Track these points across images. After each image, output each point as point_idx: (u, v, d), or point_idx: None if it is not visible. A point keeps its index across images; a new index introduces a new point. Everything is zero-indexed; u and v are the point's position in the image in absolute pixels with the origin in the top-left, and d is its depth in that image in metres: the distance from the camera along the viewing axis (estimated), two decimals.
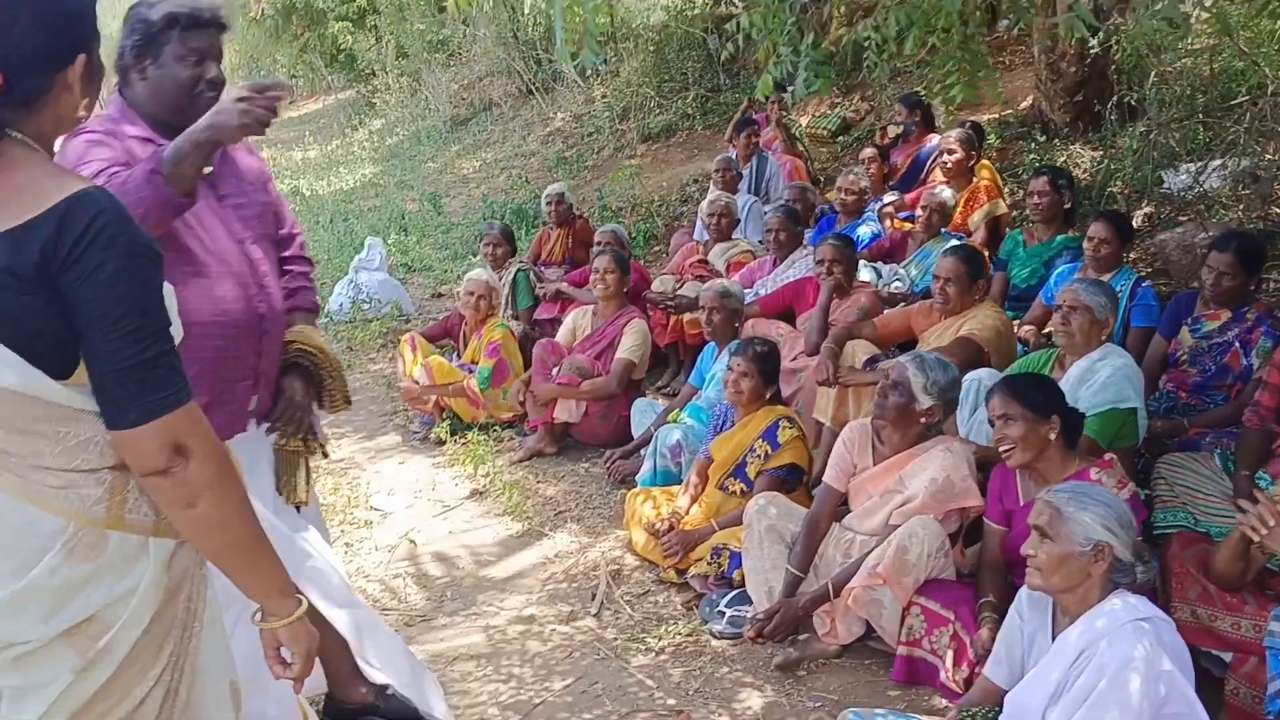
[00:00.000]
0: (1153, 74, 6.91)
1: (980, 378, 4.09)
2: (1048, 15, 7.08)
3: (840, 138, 9.93)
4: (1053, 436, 3.23)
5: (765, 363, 4.22)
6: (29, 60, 1.56)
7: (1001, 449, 3.28)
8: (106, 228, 1.52)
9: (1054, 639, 2.71)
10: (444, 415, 5.72)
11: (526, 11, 15.81)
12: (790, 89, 4.19)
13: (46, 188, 1.53)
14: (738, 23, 4.04)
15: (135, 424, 1.56)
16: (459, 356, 6.00)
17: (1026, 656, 2.80)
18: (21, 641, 1.63)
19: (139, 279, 1.56)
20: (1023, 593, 2.85)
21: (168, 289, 1.64)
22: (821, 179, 8.69)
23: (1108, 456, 3.34)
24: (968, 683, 3.21)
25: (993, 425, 3.34)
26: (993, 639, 3.12)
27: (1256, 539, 2.81)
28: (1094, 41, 7.09)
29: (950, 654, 3.28)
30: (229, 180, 2.64)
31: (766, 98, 8.63)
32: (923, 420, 3.56)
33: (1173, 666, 2.44)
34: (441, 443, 5.56)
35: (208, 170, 2.51)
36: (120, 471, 1.63)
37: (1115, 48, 7.42)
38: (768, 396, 4.24)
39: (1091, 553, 2.55)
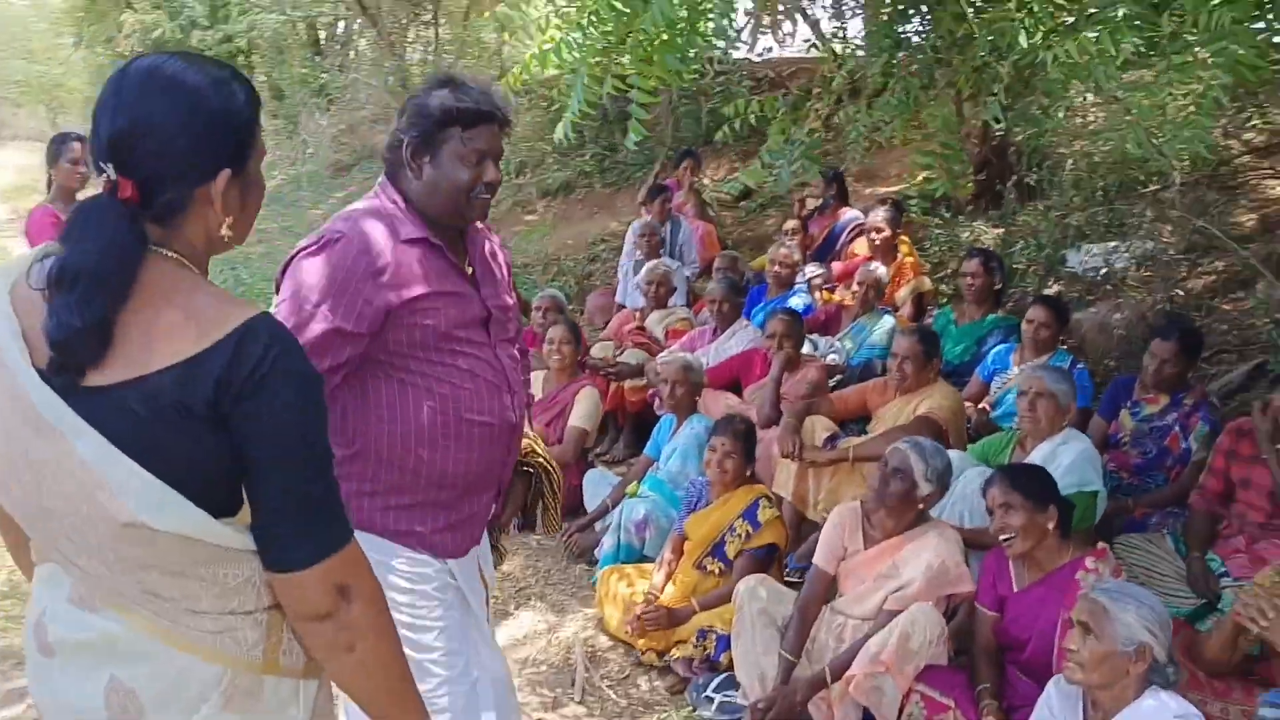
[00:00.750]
0: (1069, 163, 7.29)
1: (951, 460, 4.19)
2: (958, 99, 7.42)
3: (743, 202, 10.14)
4: (1051, 525, 3.34)
5: (748, 440, 4.24)
6: (165, 171, 1.44)
7: (1002, 538, 3.36)
8: (281, 358, 1.42)
9: None
10: None
11: (415, 59, 15.79)
12: (775, 165, 4.25)
13: (215, 315, 1.41)
14: (736, 107, 4.13)
15: (303, 566, 1.45)
16: None
17: None
18: None
19: (312, 410, 1.47)
20: (1052, 687, 2.92)
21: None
22: (730, 243, 8.85)
23: (1100, 545, 3.47)
24: None
25: (991, 513, 3.42)
26: None
27: (1256, 630, 2.96)
28: (999, 124, 7.46)
29: None
30: (488, 279, 2.44)
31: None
32: (921, 506, 3.62)
33: None
34: None
35: (469, 269, 2.38)
36: (276, 611, 1.52)
37: (1016, 130, 7.80)
38: (747, 474, 4.26)
39: (1134, 653, 2.64)
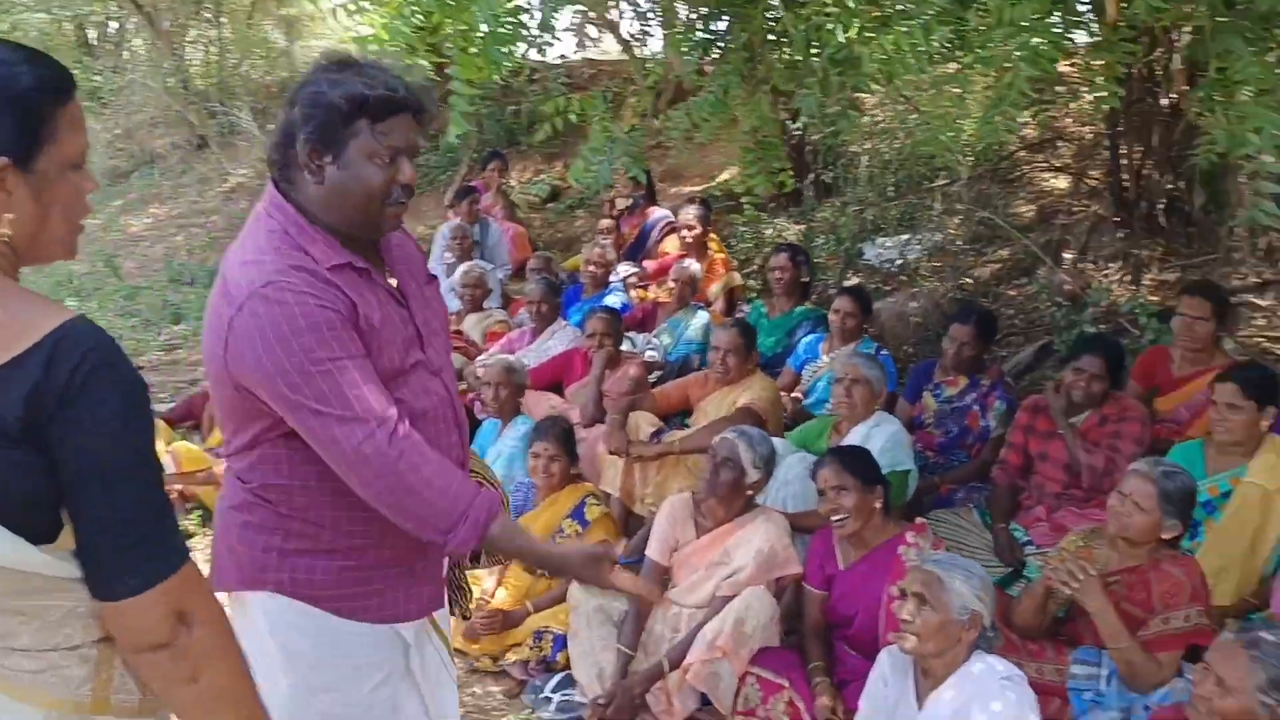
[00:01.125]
0: (863, 160, 7.59)
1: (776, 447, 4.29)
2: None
3: (551, 204, 10.12)
4: (878, 504, 3.47)
5: (569, 442, 4.22)
6: None
7: (835, 518, 3.47)
8: (103, 364, 1.29)
9: (917, 701, 2.89)
10: (190, 507, 5.21)
11: (199, 61, 15.03)
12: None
13: (24, 320, 1.28)
14: (556, 105, 4.12)
15: (136, 591, 1.33)
16: (204, 439, 5.51)
17: None
18: None
19: (139, 420, 1.35)
20: (884, 657, 3.01)
21: None
22: (540, 244, 8.83)
23: (919, 521, 3.63)
24: None
25: (822, 495, 3.52)
26: (832, 703, 3.29)
27: (1069, 592, 3.15)
28: (796, 123, 7.72)
29: None
30: (415, 295, 2.06)
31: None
32: (749, 493, 3.69)
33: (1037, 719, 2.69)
34: (189, 537, 5.07)
35: (393, 280, 2.02)
36: (106, 644, 1.39)
37: (812, 128, 8.08)
38: (572, 474, 4.24)
39: (967, 621, 2.76)
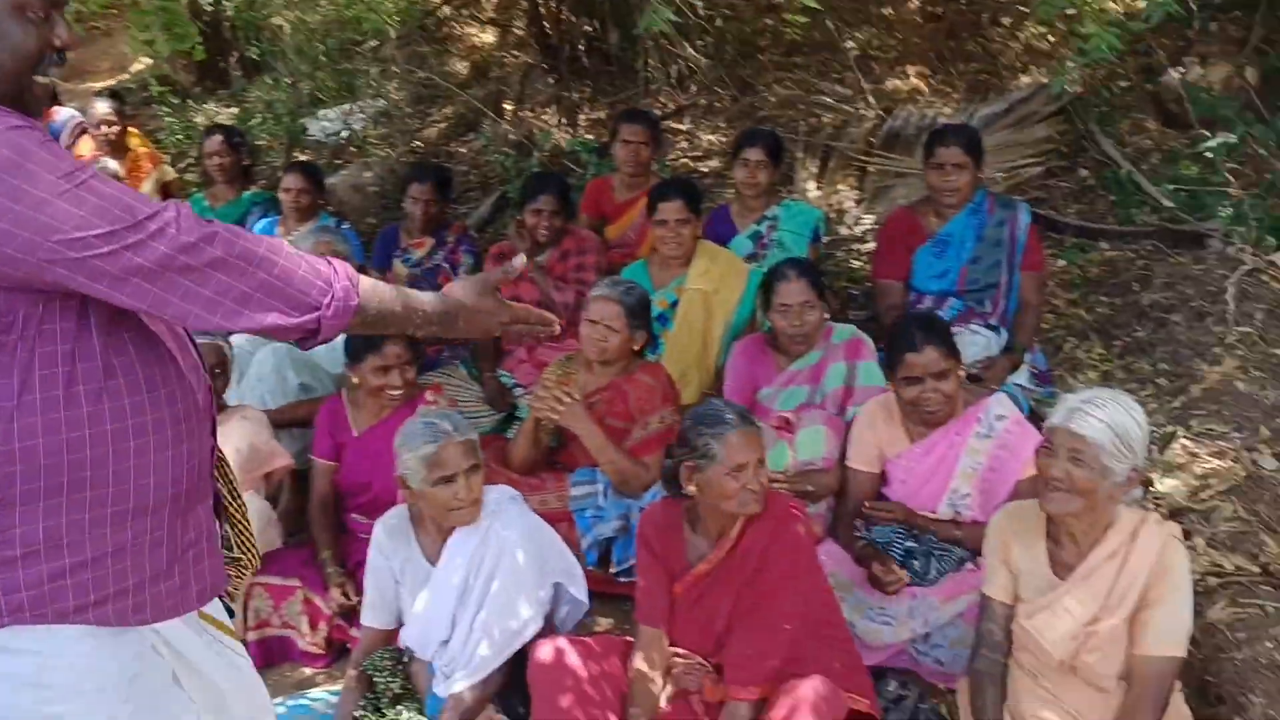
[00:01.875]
0: (287, 31, 7.10)
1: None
2: None
3: None
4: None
5: None
6: None
7: (390, 392, 3.38)
8: None
9: (427, 558, 2.82)
10: None
11: None
12: None
13: None
14: None
15: None
16: None
17: (401, 588, 2.86)
18: None
19: None
20: (377, 528, 2.91)
21: None
22: None
23: (435, 382, 3.62)
24: (328, 641, 3.22)
25: (388, 371, 3.38)
26: (344, 590, 3.16)
27: (557, 419, 3.24)
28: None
29: (304, 620, 3.23)
30: None
31: None
32: (221, 394, 3.37)
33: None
34: None
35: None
36: None
37: (225, 6, 7.44)
38: None
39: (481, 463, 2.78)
